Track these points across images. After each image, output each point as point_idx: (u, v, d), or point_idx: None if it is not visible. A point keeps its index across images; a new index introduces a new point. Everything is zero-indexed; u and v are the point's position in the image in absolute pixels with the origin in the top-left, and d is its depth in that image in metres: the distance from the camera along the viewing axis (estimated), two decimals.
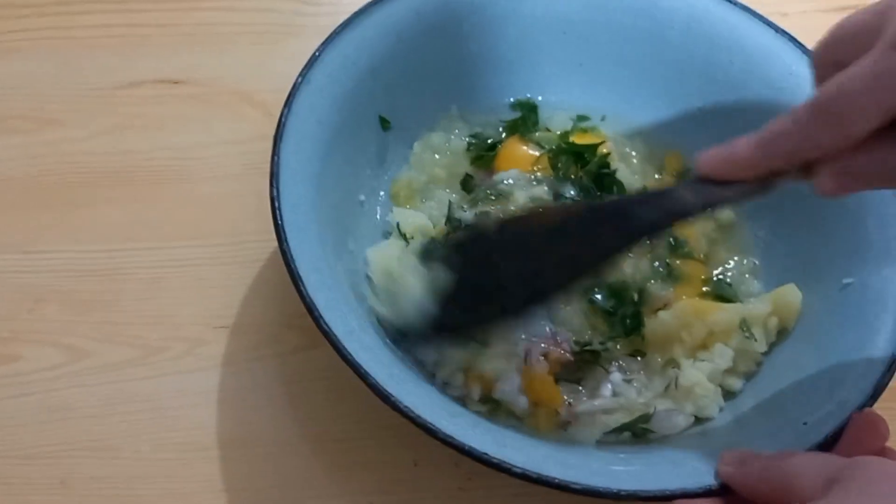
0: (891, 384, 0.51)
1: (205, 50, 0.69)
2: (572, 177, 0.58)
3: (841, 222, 0.54)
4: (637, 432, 0.52)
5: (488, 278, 0.50)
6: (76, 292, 0.59)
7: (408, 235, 0.57)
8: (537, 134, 0.61)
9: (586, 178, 0.58)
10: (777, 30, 0.59)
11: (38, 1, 0.71)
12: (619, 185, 0.58)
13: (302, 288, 0.47)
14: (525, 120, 0.62)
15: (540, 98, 0.63)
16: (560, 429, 0.53)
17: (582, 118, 0.62)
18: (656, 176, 0.62)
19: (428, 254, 0.52)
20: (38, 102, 0.66)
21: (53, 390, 0.55)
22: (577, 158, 0.58)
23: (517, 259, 0.50)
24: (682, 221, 0.48)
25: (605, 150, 0.59)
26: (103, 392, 0.56)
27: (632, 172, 0.60)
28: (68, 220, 0.61)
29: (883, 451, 0.46)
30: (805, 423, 0.48)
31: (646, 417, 0.52)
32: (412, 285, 0.51)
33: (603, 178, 0.58)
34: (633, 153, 0.62)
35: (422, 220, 0.57)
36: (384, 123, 0.59)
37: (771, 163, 0.43)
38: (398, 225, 0.57)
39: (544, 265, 0.49)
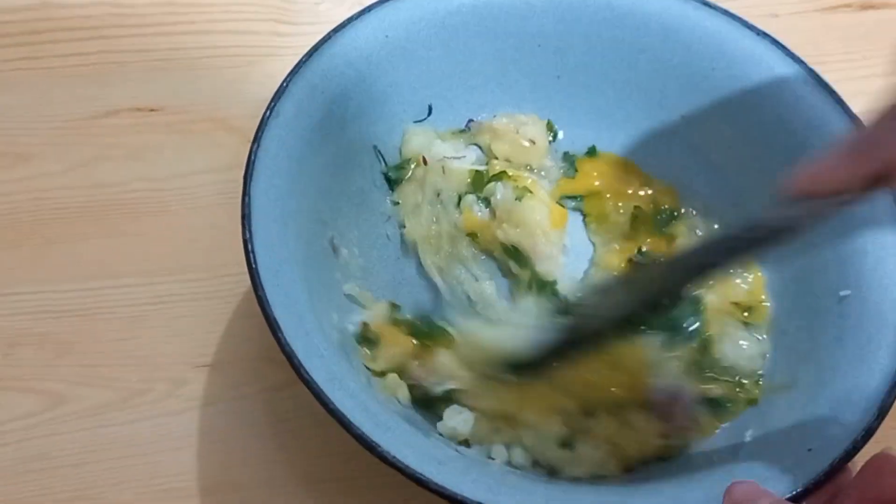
0: None
1: (181, 76, 0.67)
2: None
3: (835, 233, 0.52)
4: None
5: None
6: (52, 334, 0.57)
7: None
8: None
9: None
10: (758, 32, 0.57)
11: (9, 31, 0.69)
12: None
13: (281, 336, 0.46)
14: None
15: (518, 111, 0.61)
16: None
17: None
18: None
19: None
20: (10, 136, 0.64)
21: (31, 438, 0.54)
22: None
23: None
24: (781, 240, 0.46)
25: None
26: (83, 439, 0.54)
27: None
28: (43, 259, 0.59)
29: None
30: (810, 450, 0.46)
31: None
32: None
33: None
34: None
35: None
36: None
37: (871, 169, 0.41)
38: None
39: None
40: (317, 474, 0.54)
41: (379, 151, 0.59)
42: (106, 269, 0.59)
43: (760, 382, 0.54)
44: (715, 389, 0.54)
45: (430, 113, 0.60)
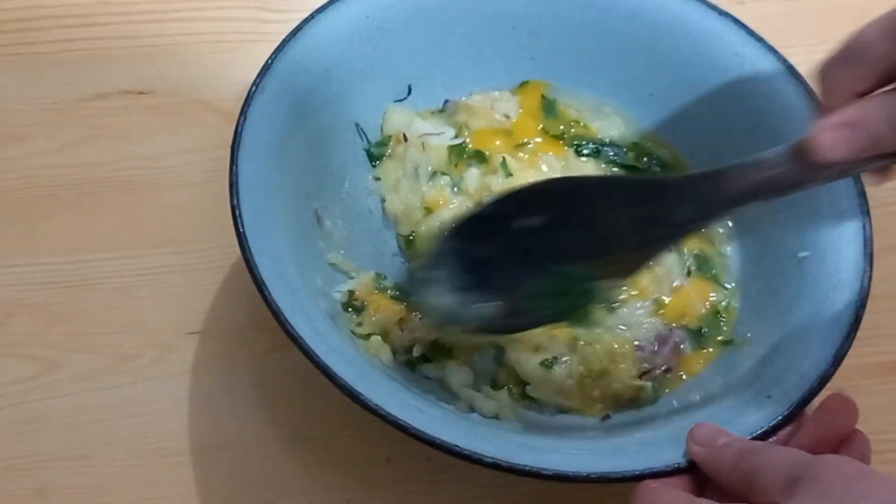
0: (859, 362, 0.52)
1: (168, 60, 0.70)
2: None
3: (793, 198, 0.55)
4: None
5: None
6: (46, 304, 0.59)
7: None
8: None
9: None
10: (720, 12, 0.59)
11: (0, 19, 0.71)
12: None
13: (267, 293, 0.48)
14: None
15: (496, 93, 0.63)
16: None
17: None
18: None
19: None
20: (2, 118, 0.66)
21: (26, 402, 0.56)
22: None
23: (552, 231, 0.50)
24: (777, 196, 0.48)
25: None
26: (77, 402, 0.56)
27: None
28: (37, 234, 0.62)
29: (853, 433, 0.46)
30: (769, 397, 0.49)
31: None
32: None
33: None
34: None
35: None
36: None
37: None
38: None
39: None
40: (301, 433, 0.56)
41: (361, 128, 0.61)
42: (97, 243, 0.61)
43: (736, 305, 0.57)
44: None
45: (409, 93, 0.62)
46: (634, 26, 0.61)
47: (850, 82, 0.44)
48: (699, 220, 0.50)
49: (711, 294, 0.58)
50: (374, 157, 0.62)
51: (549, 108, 0.63)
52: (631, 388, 0.54)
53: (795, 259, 0.55)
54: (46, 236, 0.61)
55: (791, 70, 0.57)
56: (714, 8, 0.59)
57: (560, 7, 0.61)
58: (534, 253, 0.51)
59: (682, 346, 0.56)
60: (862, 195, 0.54)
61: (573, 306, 0.52)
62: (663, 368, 0.55)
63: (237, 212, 0.50)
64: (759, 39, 0.58)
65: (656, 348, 0.55)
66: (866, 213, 0.53)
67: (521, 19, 0.62)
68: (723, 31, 0.59)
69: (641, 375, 0.55)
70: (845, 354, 0.49)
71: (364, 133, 0.61)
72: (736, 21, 0.59)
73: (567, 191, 0.52)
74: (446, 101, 0.63)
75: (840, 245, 0.53)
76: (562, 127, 0.62)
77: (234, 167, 0.52)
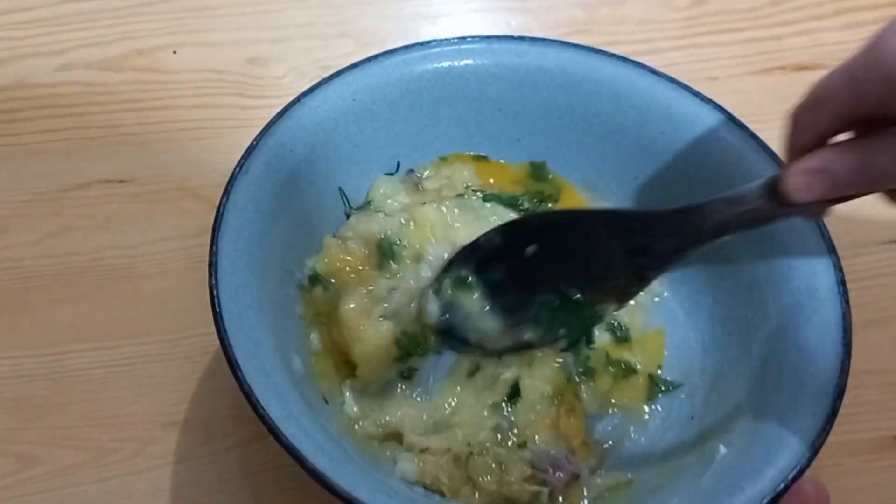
0: (843, 439, 0.52)
1: (150, 148, 0.70)
2: None
3: (772, 283, 0.55)
4: None
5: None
6: (24, 398, 0.58)
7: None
8: None
9: None
10: (702, 98, 0.59)
11: None
12: None
13: (240, 374, 0.47)
14: None
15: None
16: None
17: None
18: None
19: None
20: None
21: (3, 501, 0.54)
22: None
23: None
24: (752, 228, 0.51)
25: None
26: (53, 499, 0.55)
27: None
28: (16, 326, 0.61)
29: None
30: (742, 489, 0.48)
31: None
32: None
33: None
34: None
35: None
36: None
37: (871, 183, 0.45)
38: None
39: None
40: None
41: (344, 194, 0.61)
42: (77, 334, 0.61)
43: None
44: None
45: (398, 168, 0.62)
46: (620, 110, 0.61)
47: (815, 126, 0.46)
48: (682, 250, 0.52)
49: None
50: None
51: (537, 172, 0.64)
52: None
53: (773, 346, 0.54)
54: (26, 328, 0.61)
55: (774, 158, 0.58)
56: (697, 94, 0.60)
57: (545, 91, 0.61)
58: (534, 279, 0.54)
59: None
60: (842, 283, 0.54)
61: (572, 330, 0.55)
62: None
63: (215, 292, 0.50)
64: (741, 125, 0.58)
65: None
66: (846, 301, 0.53)
67: (507, 102, 0.62)
68: (705, 116, 0.59)
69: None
70: (821, 446, 0.48)
71: (347, 200, 0.61)
72: (717, 106, 0.59)
73: (561, 222, 0.56)
74: (410, 171, 0.63)
75: (819, 333, 0.52)
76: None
77: (215, 247, 0.51)
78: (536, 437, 0.55)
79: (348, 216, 0.61)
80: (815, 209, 0.49)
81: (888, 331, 0.64)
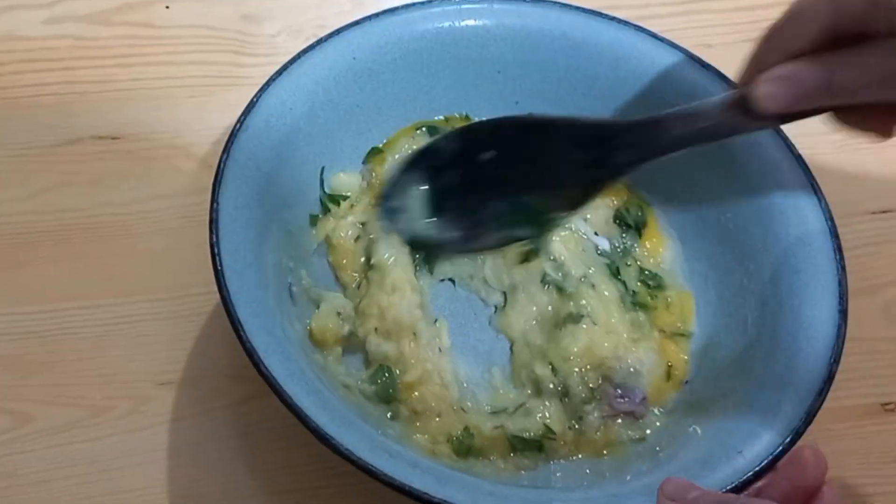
0: (833, 405, 0.52)
1: (142, 105, 0.69)
2: None
3: (768, 252, 0.56)
4: None
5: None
6: (18, 355, 0.58)
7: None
8: None
9: None
10: (703, 64, 0.60)
11: None
12: None
13: (242, 332, 0.47)
14: None
15: None
16: None
17: None
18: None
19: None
20: None
21: None
22: None
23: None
24: (713, 141, 0.51)
25: None
26: (49, 456, 0.55)
27: None
28: (9, 283, 0.60)
29: (824, 486, 0.46)
30: (740, 452, 0.48)
31: None
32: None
33: None
34: None
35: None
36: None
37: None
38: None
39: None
40: (282, 485, 0.55)
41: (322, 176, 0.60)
42: (71, 292, 0.60)
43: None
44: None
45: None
46: (619, 74, 0.61)
47: (789, 42, 0.47)
48: (638, 162, 0.53)
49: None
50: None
51: None
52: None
53: (769, 311, 0.55)
54: (18, 285, 0.60)
55: None
56: (698, 60, 0.60)
57: (546, 53, 0.61)
58: (489, 184, 0.54)
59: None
60: (838, 250, 0.54)
61: (527, 233, 0.55)
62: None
63: (216, 249, 0.49)
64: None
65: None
66: (842, 268, 0.53)
67: (507, 64, 0.62)
68: (705, 82, 0.59)
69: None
70: (818, 410, 0.49)
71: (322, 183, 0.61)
72: (717, 72, 0.59)
73: (520, 128, 0.55)
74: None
75: (815, 300, 0.53)
76: None
77: (215, 204, 0.51)
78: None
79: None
80: (784, 122, 0.50)
81: (876, 299, 0.64)
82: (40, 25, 0.72)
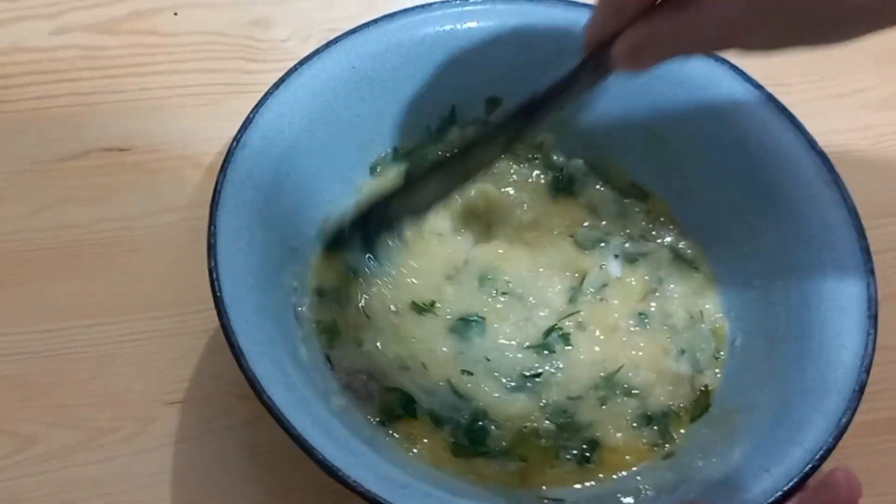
0: (865, 418, 0.50)
1: (151, 115, 0.68)
2: None
3: (793, 256, 0.53)
4: None
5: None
6: (21, 376, 0.57)
7: None
8: None
9: None
10: (716, 59, 0.57)
11: None
12: None
13: (243, 361, 0.46)
14: None
15: None
16: None
17: None
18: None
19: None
20: None
21: (1, 481, 0.53)
22: None
23: None
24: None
25: None
26: (52, 480, 0.54)
27: None
28: (12, 301, 0.59)
29: None
30: (768, 471, 0.46)
31: None
32: None
33: None
34: None
35: None
36: None
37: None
38: None
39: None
40: None
41: None
42: (75, 310, 0.59)
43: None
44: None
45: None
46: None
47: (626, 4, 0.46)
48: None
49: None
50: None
51: None
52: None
53: (796, 320, 0.52)
54: (22, 304, 0.59)
55: (788, 115, 0.55)
56: (710, 55, 0.57)
57: (550, 54, 0.59)
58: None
59: None
60: (866, 251, 0.51)
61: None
62: None
63: (214, 275, 0.48)
64: (758, 86, 0.56)
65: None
66: (870, 271, 0.51)
67: (513, 67, 0.59)
68: (720, 77, 0.56)
69: None
70: (849, 424, 0.47)
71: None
72: (733, 66, 0.57)
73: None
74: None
75: (843, 306, 0.50)
76: None
77: (213, 228, 0.50)
78: None
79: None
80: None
81: None
82: (46, 36, 0.71)
